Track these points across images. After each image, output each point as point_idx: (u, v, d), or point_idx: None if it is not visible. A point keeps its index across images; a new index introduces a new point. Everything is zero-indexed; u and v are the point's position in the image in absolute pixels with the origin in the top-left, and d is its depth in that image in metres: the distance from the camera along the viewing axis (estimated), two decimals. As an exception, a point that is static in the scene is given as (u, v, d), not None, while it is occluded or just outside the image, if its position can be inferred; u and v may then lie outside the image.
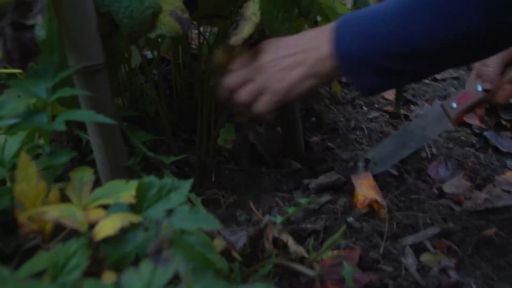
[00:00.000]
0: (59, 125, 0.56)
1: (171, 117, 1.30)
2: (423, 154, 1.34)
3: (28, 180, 0.52)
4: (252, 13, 0.82)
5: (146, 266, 0.36)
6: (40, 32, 0.59)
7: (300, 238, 0.91)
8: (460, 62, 0.83)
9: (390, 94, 1.71)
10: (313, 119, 1.43)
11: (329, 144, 1.31)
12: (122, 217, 0.49)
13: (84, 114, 0.58)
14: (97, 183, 1.00)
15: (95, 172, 1.06)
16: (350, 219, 0.99)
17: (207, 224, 0.52)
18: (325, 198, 1.04)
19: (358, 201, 1.00)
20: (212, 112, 1.12)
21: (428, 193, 1.13)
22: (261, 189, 1.10)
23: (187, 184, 0.57)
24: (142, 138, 0.93)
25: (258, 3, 0.82)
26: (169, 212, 0.54)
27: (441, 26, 0.65)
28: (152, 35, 0.79)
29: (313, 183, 1.07)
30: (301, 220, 0.97)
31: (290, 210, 0.86)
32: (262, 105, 0.84)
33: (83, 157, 1.09)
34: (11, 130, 0.56)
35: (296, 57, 0.79)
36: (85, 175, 0.56)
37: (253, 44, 0.87)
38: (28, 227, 0.51)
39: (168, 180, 0.56)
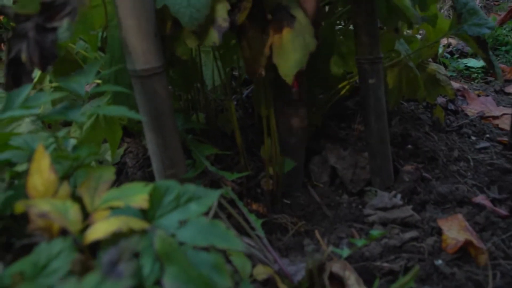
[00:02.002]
0: (82, 117, 0.51)
1: (251, 137, 1.24)
2: (543, 191, 1.11)
3: (41, 173, 0.48)
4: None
5: (91, 276, 0.29)
6: (63, 35, 0.57)
7: (372, 278, 0.77)
8: None
9: (506, 124, 1.48)
10: (409, 146, 1.27)
11: (425, 174, 1.14)
12: (121, 221, 0.41)
13: (115, 109, 0.53)
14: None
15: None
16: (439, 262, 0.82)
17: (224, 241, 0.43)
18: (410, 234, 0.88)
19: (448, 245, 0.83)
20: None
21: (547, 240, 0.91)
22: (337, 218, 0.98)
23: (213, 195, 0.48)
24: (206, 152, 0.87)
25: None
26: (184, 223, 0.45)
27: None
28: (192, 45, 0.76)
29: (375, 216, 0.92)
30: (377, 257, 0.83)
31: (360, 242, 0.73)
32: None
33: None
34: (40, 119, 0.53)
35: None
36: (105, 174, 0.51)
37: None
38: (35, 223, 0.46)
39: (190, 187, 0.48)
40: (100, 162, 1.08)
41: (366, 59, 0.99)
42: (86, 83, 0.59)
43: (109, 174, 0.51)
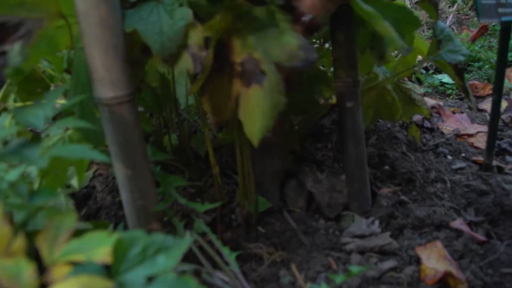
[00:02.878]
0: (41, 162, 0.47)
1: (225, 158, 1.21)
2: (520, 215, 1.11)
3: (-9, 225, 0.43)
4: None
5: None
6: (15, 59, 0.52)
7: (351, 313, 0.75)
8: None
9: (481, 142, 1.48)
10: (386, 167, 1.25)
11: (403, 197, 1.12)
12: (81, 284, 0.37)
13: (75, 150, 0.49)
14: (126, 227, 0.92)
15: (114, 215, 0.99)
16: (419, 293, 0.80)
17: (196, 302, 0.39)
18: (388, 264, 0.86)
19: (427, 276, 0.82)
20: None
21: (525, 266, 0.91)
22: (314, 246, 0.95)
23: (182, 245, 0.45)
24: (175, 183, 0.84)
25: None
26: (152, 279, 0.42)
27: None
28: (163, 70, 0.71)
29: (352, 244, 0.90)
30: (355, 290, 0.80)
31: (338, 279, 0.71)
32: None
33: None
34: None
35: None
36: (65, 222, 0.46)
37: None
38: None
39: (158, 237, 0.44)
40: (68, 187, 1.03)
41: (344, 82, 0.97)
42: (45, 116, 0.54)
43: (70, 221, 0.47)
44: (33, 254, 0.47)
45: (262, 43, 0.74)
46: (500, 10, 1.10)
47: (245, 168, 0.91)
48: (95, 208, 1.05)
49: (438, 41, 1.01)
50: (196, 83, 0.70)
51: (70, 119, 0.53)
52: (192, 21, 0.67)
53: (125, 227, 0.95)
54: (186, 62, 0.70)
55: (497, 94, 1.20)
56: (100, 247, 0.43)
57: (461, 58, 0.99)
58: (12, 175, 0.54)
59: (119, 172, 0.75)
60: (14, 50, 0.53)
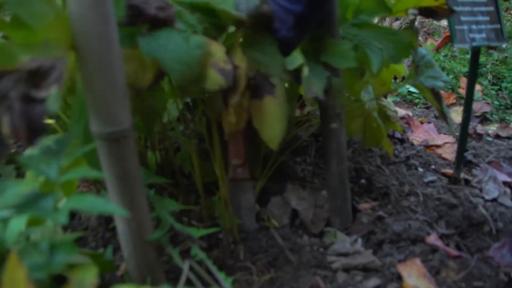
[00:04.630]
0: (61, 217, 0.47)
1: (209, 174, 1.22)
2: (486, 228, 1.18)
3: (15, 286, 0.44)
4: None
5: None
6: (53, 105, 0.51)
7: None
8: None
9: (448, 153, 1.56)
10: (363, 181, 1.30)
11: (380, 213, 1.17)
12: None
13: (93, 203, 0.50)
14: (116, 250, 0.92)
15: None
16: (402, 311, 0.85)
17: None
18: (372, 282, 0.91)
19: (410, 294, 0.87)
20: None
21: (495, 280, 0.98)
22: (301, 264, 0.99)
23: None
24: (170, 207, 0.85)
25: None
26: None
27: None
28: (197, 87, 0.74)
29: (338, 263, 0.95)
30: (343, 309, 0.85)
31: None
32: None
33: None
34: (12, 217, 0.48)
35: None
36: (87, 276, 0.47)
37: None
38: None
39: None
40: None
41: (329, 105, 1.01)
42: (58, 165, 0.55)
43: (92, 276, 0.48)
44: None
45: (265, 61, 0.84)
46: (471, 35, 1.17)
47: (227, 201, 0.97)
48: (80, 229, 1.04)
49: (417, 66, 1.06)
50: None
51: (81, 169, 0.54)
52: (208, 49, 0.70)
53: (114, 251, 0.96)
54: (215, 79, 0.73)
55: (467, 112, 1.27)
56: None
57: (441, 84, 1.05)
58: (18, 223, 0.54)
59: (116, 204, 0.75)
60: (52, 96, 0.52)
